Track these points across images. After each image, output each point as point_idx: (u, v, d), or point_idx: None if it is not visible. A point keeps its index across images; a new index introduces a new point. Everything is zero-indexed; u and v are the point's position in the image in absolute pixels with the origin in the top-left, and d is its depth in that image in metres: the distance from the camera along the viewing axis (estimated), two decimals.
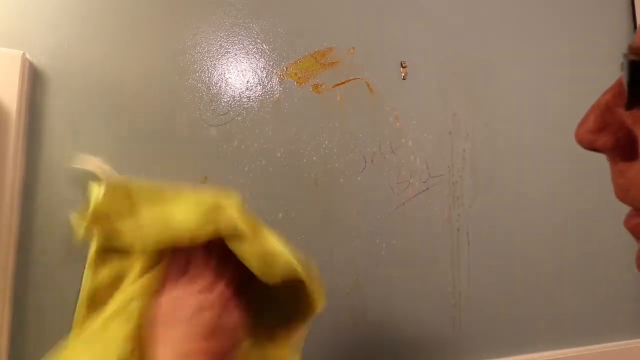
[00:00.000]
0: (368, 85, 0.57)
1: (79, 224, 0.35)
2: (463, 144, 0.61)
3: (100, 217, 0.35)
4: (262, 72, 0.53)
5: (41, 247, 0.43)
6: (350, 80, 0.57)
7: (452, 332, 0.58)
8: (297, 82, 0.54)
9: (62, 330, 0.43)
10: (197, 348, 0.31)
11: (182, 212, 0.35)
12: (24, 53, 0.43)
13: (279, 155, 0.52)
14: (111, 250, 0.36)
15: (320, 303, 0.37)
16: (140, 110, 0.48)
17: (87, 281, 0.36)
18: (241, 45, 0.53)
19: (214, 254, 0.36)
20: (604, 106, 0.20)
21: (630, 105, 0.18)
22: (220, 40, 0.52)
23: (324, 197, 0.54)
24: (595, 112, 0.20)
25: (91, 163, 0.41)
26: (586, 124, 0.20)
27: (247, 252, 0.34)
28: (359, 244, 0.54)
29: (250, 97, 0.52)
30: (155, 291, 0.35)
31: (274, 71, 0.54)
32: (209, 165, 0.50)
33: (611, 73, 0.71)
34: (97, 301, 0.36)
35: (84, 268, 0.44)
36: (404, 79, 0.59)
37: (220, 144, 0.50)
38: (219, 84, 0.51)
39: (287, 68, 0.54)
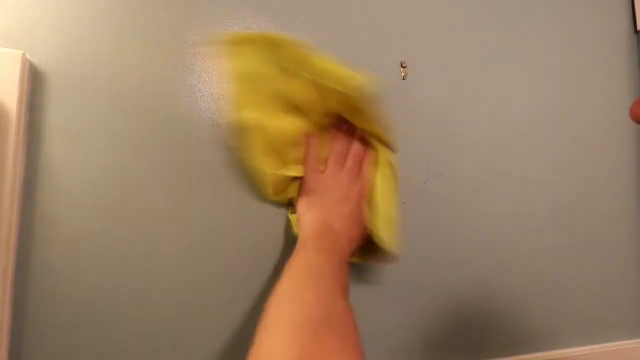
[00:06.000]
0: None
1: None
2: (463, 145, 0.61)
3: None
4: None
5: (41, 246, 0.43)
6: None
7: (451, 332, 0.58)
8: None
9: (62, 330, 0.43)
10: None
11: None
12: (24, 53, 0.43)
13: None
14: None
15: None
16: (140, 110, 0.48)
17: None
18: None
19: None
20: None
21: None
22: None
23: None
24: None
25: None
26: None
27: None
28: None
29: None
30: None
31: None
32: (209, 165, 0.50)
33: (612, 73, 0.71)
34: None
35: (84, 268, 0.45)
36: (403, 79, 0.59)
37: (221, 144, 0.50)
38: (220, 84, 0.51)
39: None
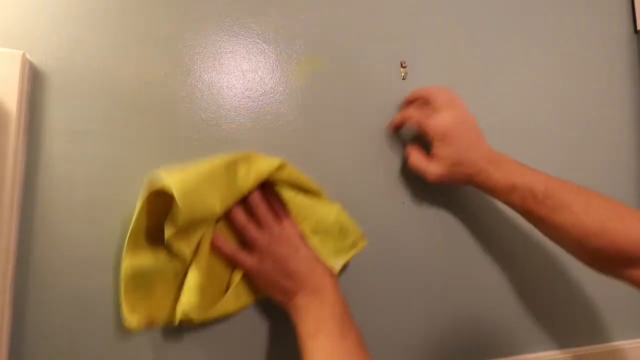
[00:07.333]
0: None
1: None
2: None
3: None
4: (262, 72, 0.53)
5: (41, 247, 0.43)
6: (350, 80, 0.57)
7: (451, 333, 0.58)
8: (297, 82, 0.54)
9: (62, 329, 0.43)
10: None
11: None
12: (24, 53, 0.43)
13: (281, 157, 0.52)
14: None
15: None
16: (140, 110, 0.48)
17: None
18: (241, 45, 0.53)
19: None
20: None
21: None
22: (220, 40, 0.52)
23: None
24: None
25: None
26: None
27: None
28: None
29: (251, 97, 0.52)
30: None
31: (275, 71, 0.54)
32: None
33: (612, 73, 0.71)
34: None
35: (84, 268, 0.45)
36: (403, 79, 0.59)
37: (221, 144, 0.50)
38: (220, 84, 0.51)
39: (288, 68, 0.54)
